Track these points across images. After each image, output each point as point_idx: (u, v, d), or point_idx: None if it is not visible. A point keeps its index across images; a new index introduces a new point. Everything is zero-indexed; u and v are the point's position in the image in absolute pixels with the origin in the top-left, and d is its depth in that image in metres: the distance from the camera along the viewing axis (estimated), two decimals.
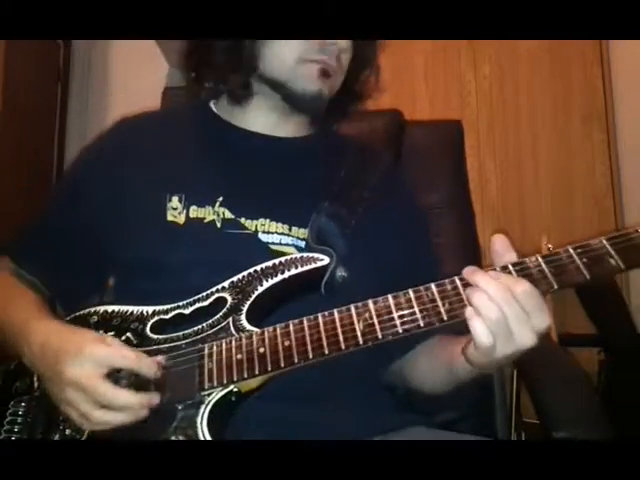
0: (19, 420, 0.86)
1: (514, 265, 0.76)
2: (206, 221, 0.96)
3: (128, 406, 0.77)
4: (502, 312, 0.71)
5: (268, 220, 0.96)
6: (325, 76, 0.98)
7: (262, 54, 0.99)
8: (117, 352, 0.80)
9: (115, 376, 0.79)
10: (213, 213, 0.96)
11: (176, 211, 0.97)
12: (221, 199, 0.97)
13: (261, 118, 1.05)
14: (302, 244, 0.95)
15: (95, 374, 0.78)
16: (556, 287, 0.74)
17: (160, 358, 0.82)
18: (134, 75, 3.05)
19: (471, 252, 1.41)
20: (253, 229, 0.95)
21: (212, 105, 1.11)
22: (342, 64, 1.01)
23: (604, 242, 0.74)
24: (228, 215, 0.96)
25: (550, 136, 2.87)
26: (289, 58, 0.97)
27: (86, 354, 0.79)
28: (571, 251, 0.74)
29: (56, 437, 0.83)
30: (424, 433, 0.90)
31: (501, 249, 0.77)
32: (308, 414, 0.84)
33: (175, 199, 0.97)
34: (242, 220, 0.96)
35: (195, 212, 0.97)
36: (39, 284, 1.02)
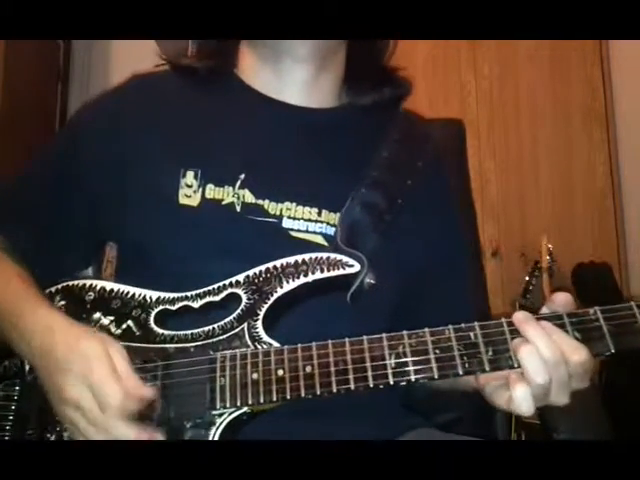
0: (12, 407, 0.80)
1: (570, 316, 0.68)
2: (224, 203, 0.85)
3: (127, 437, 0.71)
4: (549, 375, 0.66)
5: (294, 204, 0.86)
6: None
7: None
8: (109, 390, 0.70)
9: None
10: (233, 194, 0.85)
11: (190, 189, 0.85)
12: (243, 177, 0.86)
13: (290, 85, 0.93)
14: (332, 231, 0.85)
15: (95, 402, 0.71)
16: (613, 351, 0.67)
17: (151, 393, 0.73)
18: None
19: (472, 251, 1.41)
20: (278, 213, 0.85)
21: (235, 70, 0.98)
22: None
23: None
24: (249, 198, 0.85)
25: (550, 136, 2.87)
26: None
27: (86, 378, 0.71)
28: (635, 309, 0.67)
29: (53, 433, 0.78)
30: (424, 435, 0.88)
31: (563, 307, 0.70)
32: (308, 427, 0.77)
33: (190, 175, 0.86)
34: (265, 204, 0.85)
35: (212, 192, 0.85)
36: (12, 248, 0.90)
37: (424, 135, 1.01)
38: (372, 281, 0.78)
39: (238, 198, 0.85)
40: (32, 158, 1.00)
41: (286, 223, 0.85)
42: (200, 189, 0.85)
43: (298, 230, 0.85)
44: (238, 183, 0.86)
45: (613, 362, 2.38)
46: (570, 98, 2.87)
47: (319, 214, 0.86)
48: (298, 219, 0.85)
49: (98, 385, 0.70)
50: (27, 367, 0.81)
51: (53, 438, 0.77)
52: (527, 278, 2.51)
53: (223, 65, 0.97)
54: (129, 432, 0.70)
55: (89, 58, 3.22)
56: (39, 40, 2.77)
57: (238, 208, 0.85)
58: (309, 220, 0.86)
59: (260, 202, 0.85)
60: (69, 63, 3.16)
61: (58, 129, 3.04)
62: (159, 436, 0.71)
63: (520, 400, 0.66)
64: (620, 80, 2.86)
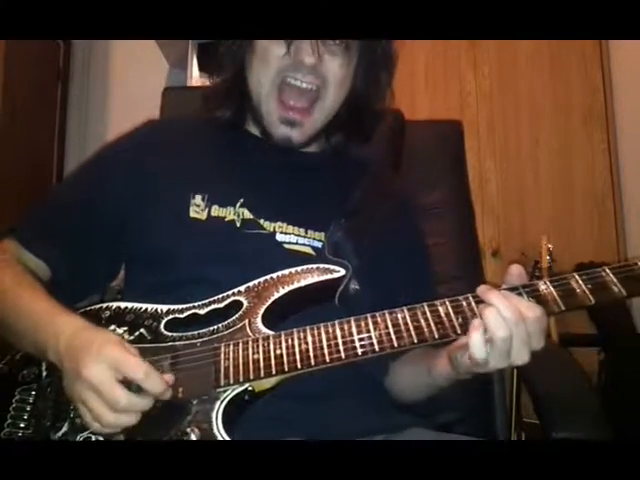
0: (27, 408, 0.85)
1: (524, 287, 0.80)
2: (227, 220, 1.00)
3: (143, 410, 0.77)
4: (509, 331, 0.75)
5: (285, 223, 1.00)
6: (289, 125, 1.03)
7: (248, 74, 1.05)
8: (132, 362, 0.77)
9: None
10: (234, 213, 1.00)
11: (199, 208, 1.00)
12: (242, 200, 1.01)
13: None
14: (318, 244, 1.00)
15: (110, 378, 0.76)
16: (563, 309, 0.79)
17: (168, 377, 0.80)
18: (134, 75, 3.05)
19: (471, 252, 1.41)
20: (271, 230, 0.99)
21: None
22: (314, 113, 1.04)
23: (608, 271, 0.79)
24: (247, 215, 1.00)
25: (550, 136, 2.87)
26: (265, 78, 1.02)
27: (104, 356, 0.77)
28: (577, 277, 0.80)
29: (65, 426, 0.82)
30: (424, 434, 0.90)
31: (517, 277, 0.81)
32: (308, 413, 0.85)
33: (199, 197, 1.01)
34: (261, 221, 1.00)
35: (217, 211, 1.00)
36: (42, 269, 0.99)
37: (390, 178, 1.23)
38: (357, 287, 0.91)
39: (238, 216, 1.00)
40: (59, 185, 1.13)
41: (279, 237, 0.99)
42: (207, 209, 1.01)
43: (289, 242, 0.99)
44: (238, 205, 1.01)
45: (613, 362, 2.39)
46: (570, 98, 2.87)
47: (306, 232, 1.01)
48: (289, 234, 1.00)
49: (107, 355, 0.77)
50: (44, 374, 0.87)
51: (63, 431, 0.81)
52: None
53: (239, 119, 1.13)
54: (146, 405, 0.76)
55: (89, 58, 3.22)
56: (39, 40, 2.78)
57: (238, 224, 1.00)
58: (298, 235, 1.00)
59: (257, 219, 1.00)
60: (69, 63, 3.17)
61: (57, 130, 3.05)
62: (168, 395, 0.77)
63: (474, 343, 0.75)
64: (620, 80, 2.86)
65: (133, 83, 3.02)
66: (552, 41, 2.73)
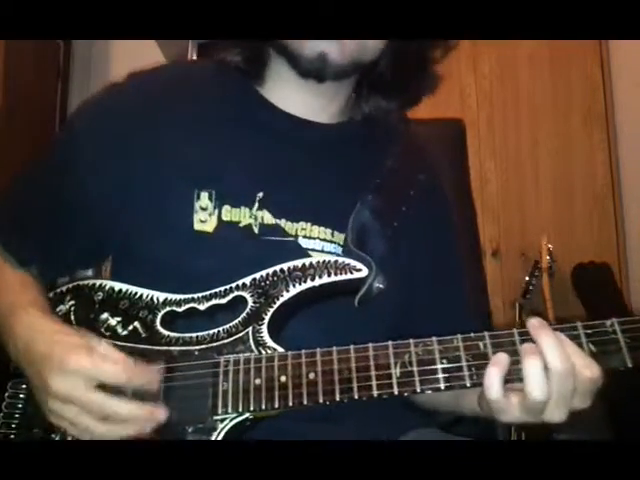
0: (19, 405, 0.80)
1: (585, 327, 0.66)
2: (242, 225, 0.83)
3: (132, 417, 0.69)
4: (548, 395, 0.64)
5: (309, 224, 0.85)
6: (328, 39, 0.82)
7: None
8: (103, 366, 0.69)
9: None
10: (250, 216, 0.83)
11: (205, 212, 0.82)
12: (261, 195, 0.83)
13: (297, 100, 0.90)
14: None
15: (84, 387, 0.69)
16: (630, 366, 0.64)
17: (159, 368, 0.74)
18: None
19: (471, 252, 1.41)
20: (294, 233, 0.84)
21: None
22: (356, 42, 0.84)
23: None
24: (268, 219, 0.83)
25: (550, 136, 2.87)
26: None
27: (70, 367, 0.69)
28: None
29: (57, 436, 0.77)
30: (425, 435, 0.88)
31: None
32: (309, 433, 0.76)
33: (205, 197, 0.83)
34: (282, 223, 0.84)
35: (229, 214, 0.83)
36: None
37: (423, 149, 1.01)
38: (381, 285, 0.77)
39: (256, 219, 0.83)
40: (30, 162, 0.98)
41: (302, 242, 0.84)
42: (216, 211, 0.82)
43: (314, 250, 0.84)
44: (256, 204, 0.83)
45: None
46: (570, 98, 2.86)
47: (332, 235, 0.85)
48: (314, 238, 0.84)
49: (73, 365, 0.69)
50: None
51: (58, 437, 0.77)
52: (527, 278, 2.51)
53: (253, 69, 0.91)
54: (134, 410, 0.69)
55: (89, 58, 3.22)
56: (39, 40, 2.77)
57: (256, 230, 0.83)
58: (324, 240, 0.85)
59: (278, 221, 0.84)
60: (69, 63, 3.16)
61: (58, 129, 3.04)
62: (162, 413, 0.70)
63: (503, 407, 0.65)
64: (620, 80, 2.85)
65: None
66: (552, 41, 2.72)
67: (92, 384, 0.69)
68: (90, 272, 0.99)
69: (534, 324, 0.66)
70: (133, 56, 3.04)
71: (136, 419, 0.70)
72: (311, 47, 0.82)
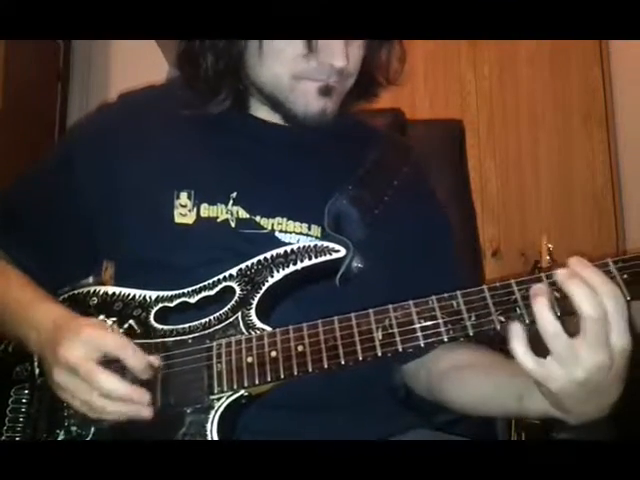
0: (23, 410, 0.83)
1: (616, 262, 0.70)
2: (219, 220, 0.89)
3: (127, 397, 0.74)
4: (603, 307, 0.64)
5: (285, 219, 0.89)
6: (326, 94, 0.89)
7: (253, 65, 0.90)
8: (111, 337, 0.77)
9: (121, 369, 0.76)
10: (226, 212, 0.89)
11: (185, 209, 0.89)
12: (235, 195, 0.89)
13: (270, 113, 0.96)
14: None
15: (87, 356, 0.74)
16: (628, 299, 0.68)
17: (156, 360, 0.78)
18: (134, 75, 3.04)
19: (471, 252, 1.41)
20: (270, 228, 0.89)
21: None
22: (345, 85, 0.92)
23: None
24: (242, 214, 0.89)
25: (550, 136, 2.87)
26: (282, 74, 0.88)
27: (81, 336, 0.76)
28: None
29: (61, 434, 0.80)
30: (424, 435, 0.89)
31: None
32: (305, 425, 0.81)
33: (184, 196, 0.89)
34: (257, 219, 0.89)
35: (207, 211, 0.89)
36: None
37: (409, 148, 1.07)
38: (360, 265, 0.82)
39: (232, 214, 0.89)
40: (27, 170, 1.05)
41: (279, 236, 0.89)
42: (195, 208, 0.89)
43: (290, 243, 0.88)
44: (230, 201, 0.89)
45: None
46: (570, 98, 2.86)
47: (309, 229, 0.90)
48: (290, 232, 0.89)
49: (84, 335, 0.75)
50: (37, 371, 0.85)
51: (60, 438, 0.80)
52: None
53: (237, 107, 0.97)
54: (128, 389, 0.74)
55: (89, 58, 3.22)
56: (39, 40, 2.77)
57: (233, 224, 0.89)
58: (300, 234, 0.89)
59: (253, 217, 0.89)
60: (69, 63, 3.16)
61: (58, 130, 3.04)
62: (146, 396, 0.74)
63: (541, 315, 0.65)
64: (620, 80, 2.85)
65: (133, 83, 3.02)
66: (552, 41, 2.72)
67: (98, 355, 0.74)
68: (91, 279, 1.02)
69: (574, 260, 0.71)
70: (133, 56, 3.06)
71: (131, 399, 0.74)
72: (315, 105, 0.89)
